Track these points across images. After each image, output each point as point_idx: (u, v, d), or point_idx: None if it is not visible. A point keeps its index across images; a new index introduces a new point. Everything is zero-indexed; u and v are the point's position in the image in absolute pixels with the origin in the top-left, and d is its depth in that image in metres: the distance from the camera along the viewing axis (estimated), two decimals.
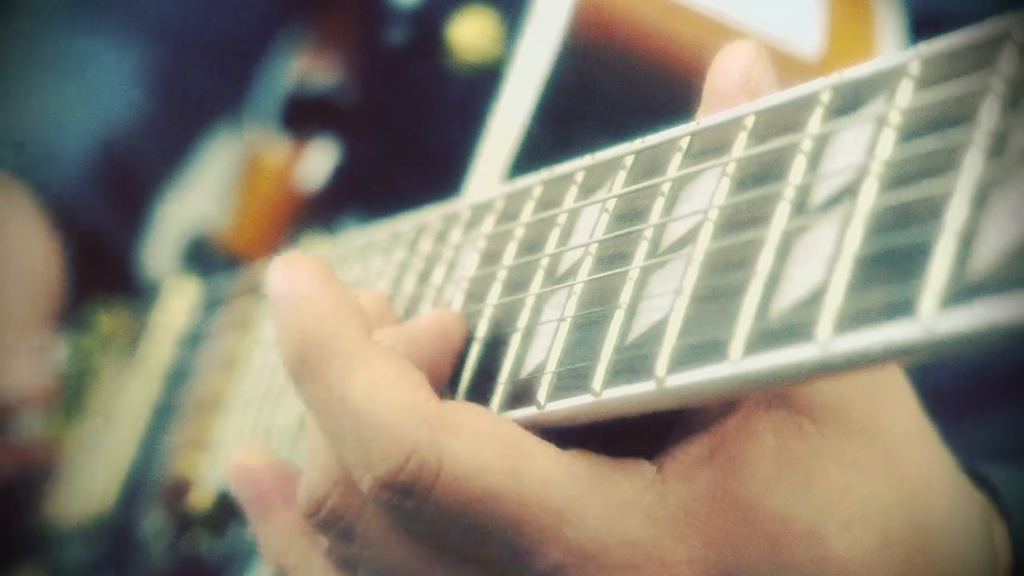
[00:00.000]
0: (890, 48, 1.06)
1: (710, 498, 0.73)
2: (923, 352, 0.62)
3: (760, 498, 0.72)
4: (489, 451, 0.73)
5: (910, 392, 0.75)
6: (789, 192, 0.69)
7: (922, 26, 1.06)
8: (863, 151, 0.66)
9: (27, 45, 1.37)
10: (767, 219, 0.69)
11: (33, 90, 1.36)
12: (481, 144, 1.04)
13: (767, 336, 0.67)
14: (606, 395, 0.74)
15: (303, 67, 1.32)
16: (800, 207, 0.68)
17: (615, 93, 1.03)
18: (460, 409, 0.75)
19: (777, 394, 0.73)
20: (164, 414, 1.23)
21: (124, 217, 1.35)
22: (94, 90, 1.36)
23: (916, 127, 0.65)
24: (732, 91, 0.76)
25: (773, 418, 0.73)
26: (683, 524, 0.73)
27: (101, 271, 1.33)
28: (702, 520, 0.73)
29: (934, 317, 0.60)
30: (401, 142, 1.15)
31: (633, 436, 0.76)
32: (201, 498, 1.13)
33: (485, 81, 1.07)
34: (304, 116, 1.30)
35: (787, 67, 1.04)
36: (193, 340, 1.23)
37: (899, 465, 0.74)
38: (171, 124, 1.36)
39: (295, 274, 0.77)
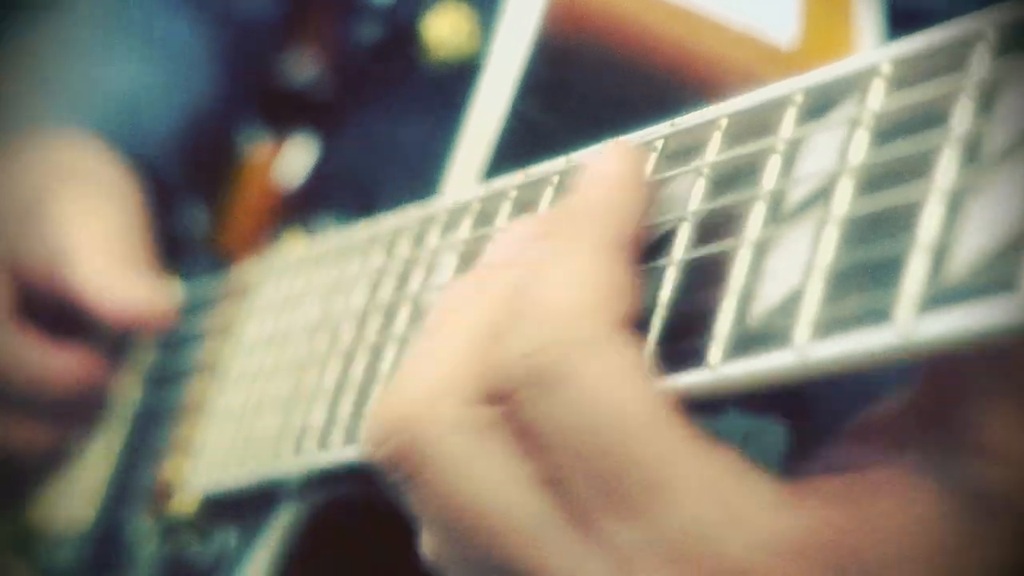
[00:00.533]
0: (867, 36, 1.06)
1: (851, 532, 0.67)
2: (902, 356, 0.61)
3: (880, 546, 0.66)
4: (635, 388, 0.68)
5: None
6: (764, 195, 0.69)
7: (899, 14, 1.06)
8: (836, 154, 0.66)
9: (112, 20, 1.39)
10: (744, 221, 0.69)
11: (120, 62, 1.37)
12: (458, 142, 1.03)
13: (745, 341, 0.67)
14: None
15: (283, 61, 1.32)
16: (775, 211, 0.68)
17: (591, 87, 1.02)
18: (633, 344, 0.69)
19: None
20: (148, 417, 1.23)
21: (199, 193, 1.35)
22: (176, 66, 1.37)
23: (889, 129, 0.65)
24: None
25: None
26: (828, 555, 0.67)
27: (171, 248, 1.32)
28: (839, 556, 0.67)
29: (911, 323, 0.60)
30: (377, 139, 1.15)
31: None
32: (185, 503, 1.12)
33: (461, 77, 1.06)
34: (283, 111, 1.30)
35: (763, 57, 1.04)
36: (176, 342, 1.23)
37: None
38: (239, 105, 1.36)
39: (610, 165, 0.74)
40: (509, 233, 0.76)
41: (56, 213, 1.24)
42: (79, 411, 1.26)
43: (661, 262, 0.72)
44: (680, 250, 0.72)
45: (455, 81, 1.07)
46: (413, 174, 1.07)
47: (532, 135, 1.01)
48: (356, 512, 1.02)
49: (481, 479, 0.71)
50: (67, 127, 1.31)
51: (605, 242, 0.71)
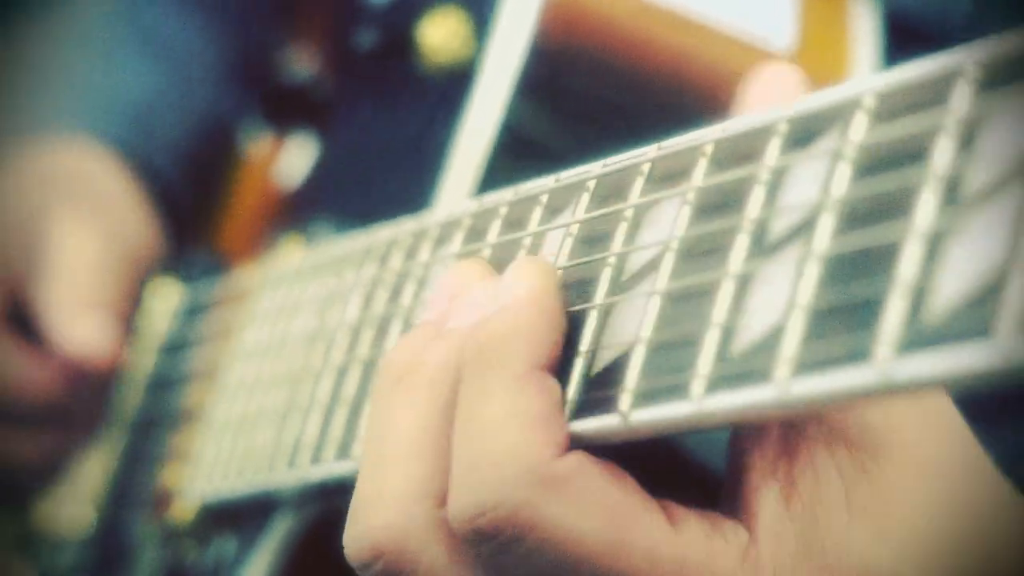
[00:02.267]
0: (864, 42, 1.05)
1: (799, 554, 0.71)
2: (880, 396, 0.61)
3: (840, 548, 0.71)
4: (592, 520, 0.71)
5: (959, 418, 0.74)
6: (748, 225, 0.68)
7: (896, 18, 1.05)
8: (819, 186, 0.66)
9: (120, 25, 1.39)
10: (727, 250, 0.69)
11: (128, 68, 1.37)
12: (453, 148, 1.03)
13: (727, 377, 0.66)
14: (575, 426, 0.73)
15: (283, 58, 1.32)
16: (759, 241, 0.68)
17: (587, 94, 1.02)
18: (579, 468, 0.71)
19: (834, 430, 0.71)
20: (149, 422, 1.23)
21: (204, 201, 1.35)
22: (183, 71, 1.37)
23: (871, 163, 0.64)
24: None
25: (836, 460, 0.71)
26: None
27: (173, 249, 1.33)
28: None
29: (890, 363, 0.59)
30: (374, 143, 1.14)
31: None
32: (184, 510, 1.13)
33: (457, 82, 1.06)
34: (283, 108, 1.29)
35: (760, 63, 1.03)
36: (176, 347, 1.23)
37: (959, 497, 0.73)
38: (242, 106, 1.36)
39: (521, 280, 0.75)
40: (431, 362, 0.76)
41: (47, 231, 1.24)
42: (74, 418, 1.27)
43: (646, 289, 0.72)
44: (664, 278, 0.72)
45: (451, 86, 1.06)
46: (409, 180, 1.07)
47: (527, 141, 1.01)
48: None
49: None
50: (75, 133, 1.31)
51: (526, 372, 0.72)
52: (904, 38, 1.03)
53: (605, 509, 0.70)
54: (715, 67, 1.02)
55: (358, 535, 0.76)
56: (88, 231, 1.25)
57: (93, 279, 1.23)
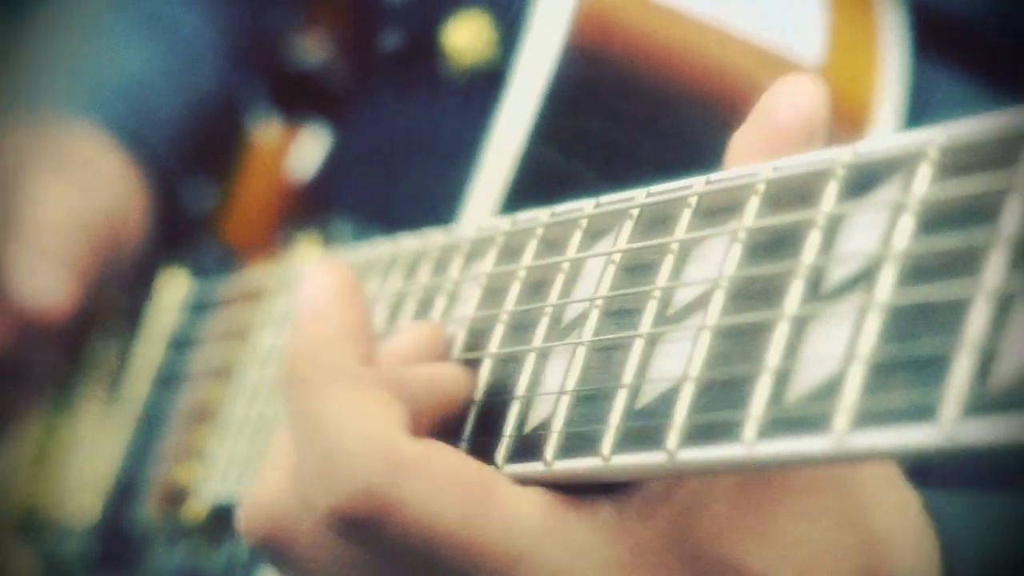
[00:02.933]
0: (894, 54, 1.04)
1: (665, 537, 0.73)
2: (941, 456, 0.61)
3: (713, 541, 0.72)
4: (449, 495, 0.73)
5: None
6: (803, 270, 0.68)
7: (925, 28, 1.05)
8: (880, 237, 0.65)
9: (119, 4, 1.38)
10: (781, 294, 0.69)
11: (126, 47, 1.36)
12: (481, 156, 1.02)
13: (781, 422, 0.66)
14: (616, 460, 0.73)
15: (295, 42, 1.30)
16: (815, 287, 0.67)
17: (615, 106, 1.01)
18: (428, 450, 0.74)
19: None
20: (157, 415, 1.23)
21: (206, 178, 1.34)
22: (183, 50, 1.37)
23: (936, 218, 0.64)
24: (790, 131, 0.75)
25: None
26: (637, 566, 0.73)
27: (170, 237, 1.32)
28: (654, 560, 0.73)
29: (955, 424, 0.59)
30: (395, 144, 1.14)
31: None
32: (196, 510, 1.12)
33: (480, 85, 1.05)
34: (294, 94, 1.28)
35: (789, 73, 1.02)
36: (185, 341, 1.22)
37: (861, 514, 0.74)
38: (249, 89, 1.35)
39: (318, 284, 0.80)
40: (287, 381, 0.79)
41: (23, 189, 1.23)
42: (25, 375, 1.26)
43: (694, 326, 0.72)
44: (714, 315, 0.71)
45: (474, 89, 1.06)
46: (431, 183, 1.06)
47: (557, 148, 1.01)
48: None
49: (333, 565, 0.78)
50: (63, 110, 1.30)
51: (352, 368, 0.76)
52: (930, 29, 1.02)
53: (460, 484, 0.73)
54: (744, 78, 1.02)
55: (243, 514, 0.81)
56: (64, 191, 1.24)
57: (60, 234, 1.23)
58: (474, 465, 0.75)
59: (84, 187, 1.26)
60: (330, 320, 0.78)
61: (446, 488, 0.72)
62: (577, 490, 0.75)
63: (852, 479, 0.75)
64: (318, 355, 0.76)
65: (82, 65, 1.35)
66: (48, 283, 1.20)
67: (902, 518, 0.76)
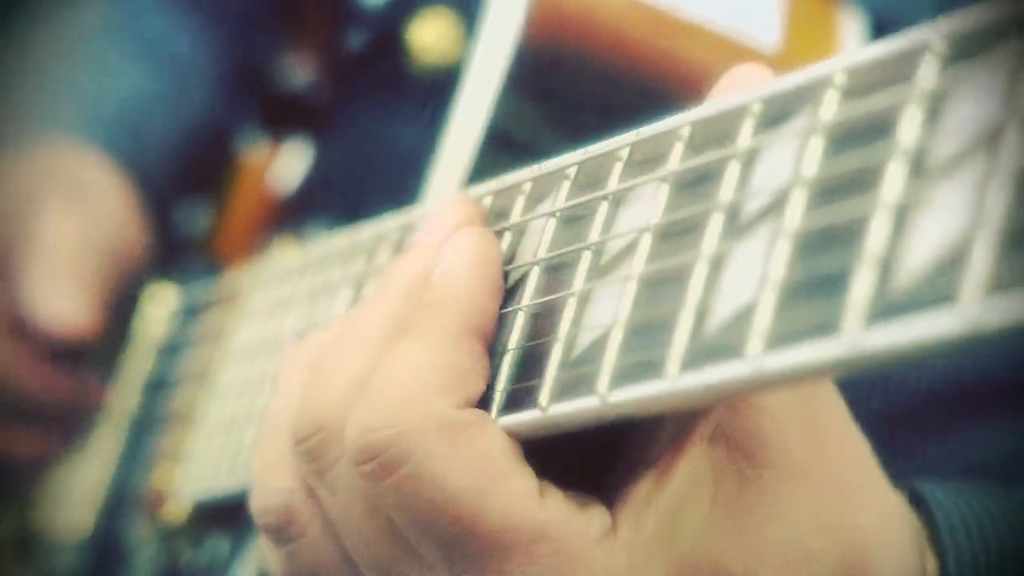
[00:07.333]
0: (850, 38, 1.05)
1: (653, 544, 0.73)
2: (851, 367, 0.61)
3: (696, 545, 0.73)
4: (465, 465, 0.73)
5: (855, 431, 0.76)
6: (721, 206, 0.69)
7: (882, 14, 1.06)
8: (791, 165, 0.66)
9: (113, 28, 1.41)
10: (702, 231, 0.69)
11: (120, 70, 1.38)
12: (440, 146, 1.03)
13: (701, 353, 0.67)
14: (553, 410, 0.74)
15: (280, 64, 1.33)
16: (732, 221, 0.68)
17: (573, 92, 1.02)
18: (470, 420, 0.74)
19: (722, 429, 0.73)
20: (145, 424, 1.24)
21: (197, 199, 1.36)
22: (176, 74, 1.39)
23: (841, 141, 0.64)
24: None
25: (714, 460, 0.73)
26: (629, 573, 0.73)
27: (168, 252, 1.34)
28: (643, 567, 0.73)
29: (858, 334, 0.60)
30: (365, 145, 1.15)
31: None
32: (176, 511, 1.13)
33: (447, 83, 1.07)
34: (280, 114, 1.30)
35: (746, 61, 1.03)
36: (172, 349, 1.24)
37: (839, 511, 0.74)
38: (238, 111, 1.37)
39: (483, 244, 0.79)
40: (372, 313, 0.80)
41: (31, 219, 1.25)
42: (67, 422, 1.27)
43: (623, 273, 0.73)
44: (641, 262, 0.72)
45: (441, 87, 1.07)
46: (400, 179, 1.07)
47: (515, 139, 1.02)
48: None
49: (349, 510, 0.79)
50: (65, 134, 1.32)
51: (455, 330, 0.76)
52: (889, 32, 1.03)
53: (477, 462, 0.73)
54: (701, 65, 1.03)
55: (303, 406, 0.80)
56: (70, 218, 1.26)
57: (71, 258, 1.24)
58: (502, 450, 0.74)
59: (90, 211, 1.28)
60: (464, 289, 0.78)
61: (469, 457, 0.73)
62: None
63: (834, 480, 0.74)
64: (437, 307, 0.77)
65: (79, 90, 1.38)
66: (70, 305, 1.22)
67: (884, 518, 0.76)
